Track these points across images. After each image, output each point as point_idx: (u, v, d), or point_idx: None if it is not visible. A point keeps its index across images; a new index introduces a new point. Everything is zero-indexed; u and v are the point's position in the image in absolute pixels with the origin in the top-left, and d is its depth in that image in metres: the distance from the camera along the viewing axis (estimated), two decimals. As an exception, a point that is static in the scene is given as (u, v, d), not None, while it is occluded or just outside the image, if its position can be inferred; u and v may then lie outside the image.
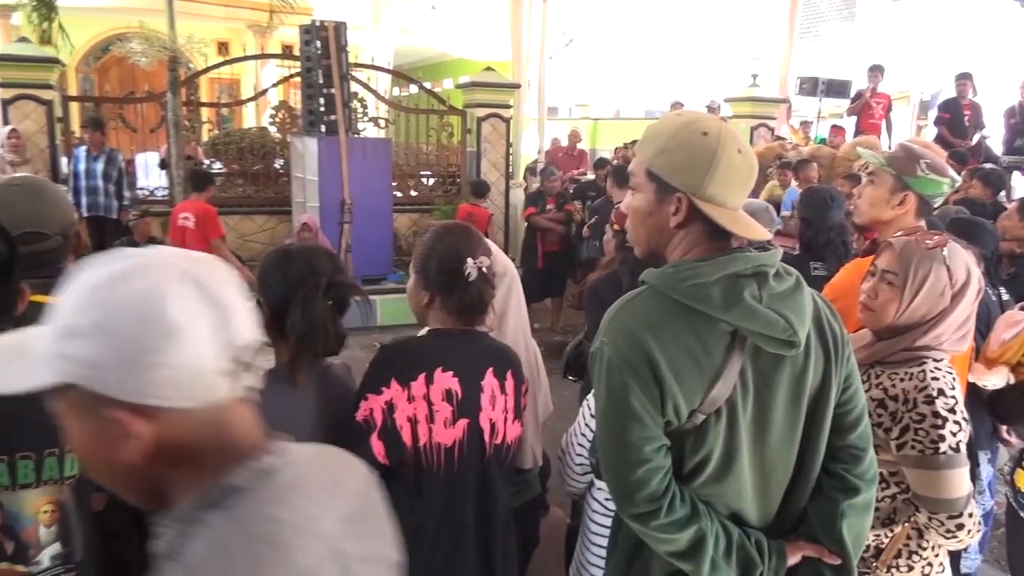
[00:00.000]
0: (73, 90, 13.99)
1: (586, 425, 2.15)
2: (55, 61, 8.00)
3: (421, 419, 1.71)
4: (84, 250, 4.13)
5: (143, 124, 9.16)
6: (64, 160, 8.11)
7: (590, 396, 2.16)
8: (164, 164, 9.27)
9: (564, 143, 12.29)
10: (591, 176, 9.73)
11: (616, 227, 2.99)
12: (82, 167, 7.64)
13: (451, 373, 1.73)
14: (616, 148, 10.61)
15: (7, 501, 1.41)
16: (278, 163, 9.40)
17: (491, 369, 1.79)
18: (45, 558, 1.47)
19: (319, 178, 7.60)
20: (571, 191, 9.31)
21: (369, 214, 7.75)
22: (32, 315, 1.54)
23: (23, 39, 8.26)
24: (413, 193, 9.57)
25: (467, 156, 9.68)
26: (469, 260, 1.77)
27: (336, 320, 1.75)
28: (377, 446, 1.70)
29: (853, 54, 16.94)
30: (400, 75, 11.12)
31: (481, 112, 9.48)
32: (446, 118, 9.74)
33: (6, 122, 7.69)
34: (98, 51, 16.50)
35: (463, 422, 1.74)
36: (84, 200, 7.61)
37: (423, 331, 1.86)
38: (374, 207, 7.84)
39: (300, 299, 1.67)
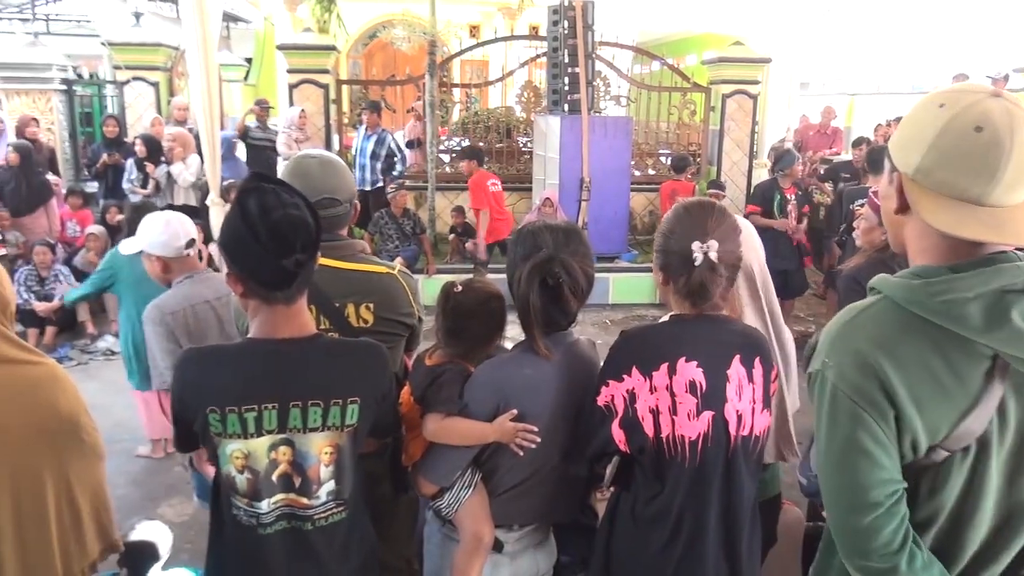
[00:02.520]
0: (344, 75, 15.45)
1: None
2: (332, 48, 8.88)
3: (664, 410, 1.65)
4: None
5: (401, 105, 9.91)
6: (336, 137, 9.01)
7: None
8: (413, 144, 9.98)
9: (815, 120, 11.47)
10: (847, 156, 9.01)
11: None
12: (357, 145, 8.43)
13: (695, 363, 1.65)
14: (877, 126, 9.70)
15: (298, 442, 1.60)
16: (521, 141, 9.73)
17: (737, 357, 1.69)
18: (323, 493, 1.66)
19: (560, 156, 7.77)
20: (822, 172, 8.70)
21: (606, 192, 7.79)
22: (321, 277, 1.75)
23: (307, 30, 9.25)
24: (651, 172, 9.46)
25: (709, 135, 9.37)
26: (696, 243, 1.65)
27: (554, 296, 1.76)
28: (618, 434, 1.69)
29: None
30: (643, 52, 10.98)
31: (727, 89, 9.12)
32: (689, 95, 9.49)
33: (291, 104, 8.69)
34: (365, 38, 18.05)
35: (708, 414, 1.65)
36: (356, 175, 8.40)
37: (664, 317, 1.82)
38: (612, 185, 7.87)
39: (516, 276, 1.76)
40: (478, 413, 1.77)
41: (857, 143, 8.30)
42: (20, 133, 8.02)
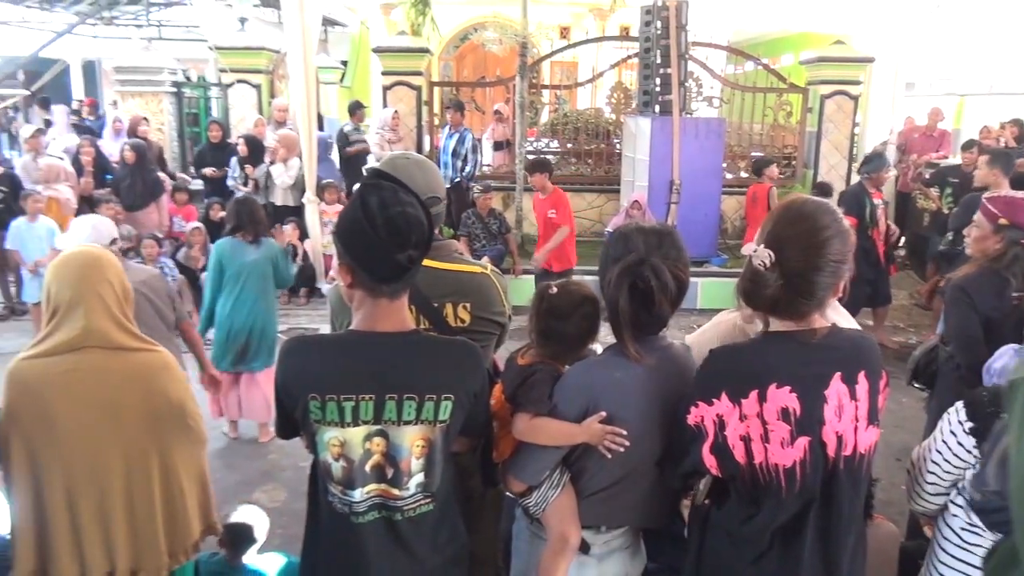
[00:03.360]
0: (435, 77, 15.72)
1: (943, 442, 1.90)
2: (426, 51, 9.05)
3: (755, 438, 1.58)
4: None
5: (490, 106, 10.00)
6: (427, 138, 9.18)
7: (951, 411, 1.91)
8: (501, 145, 10.05)
9: (921, 122, 10.93)
10: (956, 160, 8.55)
11: (1003, 221, 2.58)
12: (442, 144, 8.57)
13: (787, 388, 1.56)
14: (983, 128, 9.15)
15: (392, 434, 1.64)
16: (610, 143, 9.67)
17: (838, 375, 1.58)
18: (412, 485, 1.69)
19: (649, 158, 7.68)
20: (927, 176, 8.31)
21: (697, 195, 7.66)
22: (421, 278, 1.79)
23: (402, 33, 9.46)
24: (743, 175, 9.24)
25: (805, 137, 9.08)
26: (761, 247, 1.56)
27: (643, 299, 1.72)
28: (709, 459, 1.64)
29: None
30: (737, 52, 10.75)
31: (825, 89, 8.83)
32: (785, 96, 9.23)
33: (384, 106, 8.90)
34: (457, 40, 18.30)
35: (803, 440, 1.57)
36: (443, 173, 8.53)
37: (758, 331, 1.74)
38: (702, 188, 7.73)
39: (607, 279, 1.74)
40: (567, 414, 1.76)
41: (967, 146, 7.86)
42: (132, 132, 8.50)
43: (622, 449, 1.72)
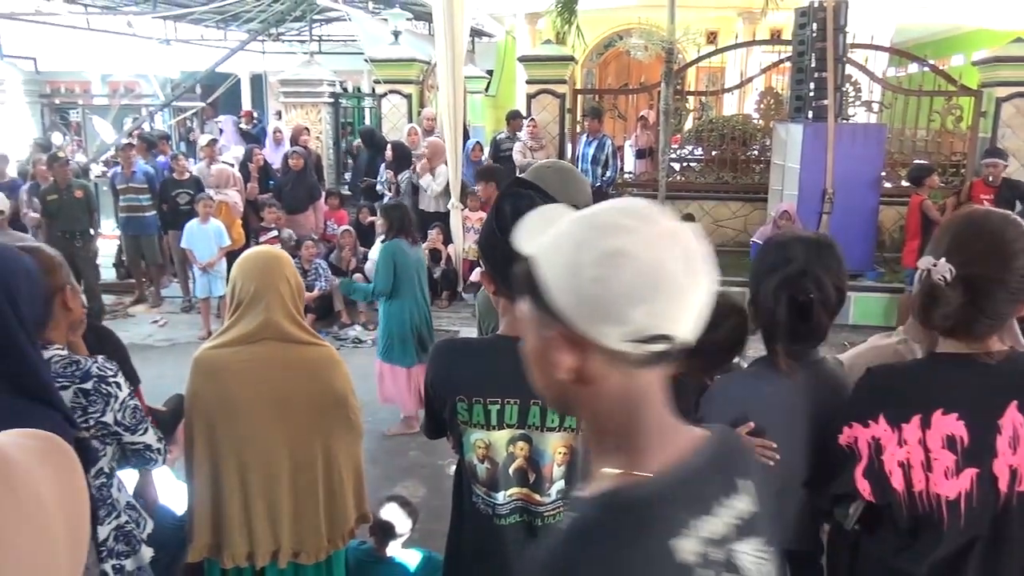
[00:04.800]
0: (579, 84, 15.76)
1: None
2: (570, 59, 9.10)
3: (915, 465, 1.48)
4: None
5: (634, 113, 9.90)
6: (569, 146, 9.22)
7: None
8: (644, 152, 9.93)
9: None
10: None
11: None
12: (579, 151, 8.59)
13: (955, 416, 1.44)
14: None
15: (536, 439, 1.66)
16: (758, 150, 9.35)
17: (1014, 403, 1.44)
18: (554, 491, 1.70)
19: (800, 165, 7.36)
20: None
21: (852, 205, 7.26)
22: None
23: (547, 42, 9.56)
24: (905, 184, 8.65)
25: (977, 143, 8.39)
26: (941, 261, 1.45)
27: (803, 312, 1.65)
28: (862, 483, 1.55)
29: None
30: (901, 53, 10.10)
31: (1002, 92, 8.11)
32: (954, 100, 8.56)
33: (529, 114, 9.02)
34: (600, 47, 18.28)
35: (970, 472, 1.45)
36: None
37: (919, 350, 1.62)
38: (858, 198, 7.32)
39: (762, 290, 1.67)
40: None
41: None
42: (295, 141, 9.07)
43: (771, 463, 1.66)
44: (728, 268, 7.09)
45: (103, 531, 1.81)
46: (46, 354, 1.70)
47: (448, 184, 7.47)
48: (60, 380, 1.69)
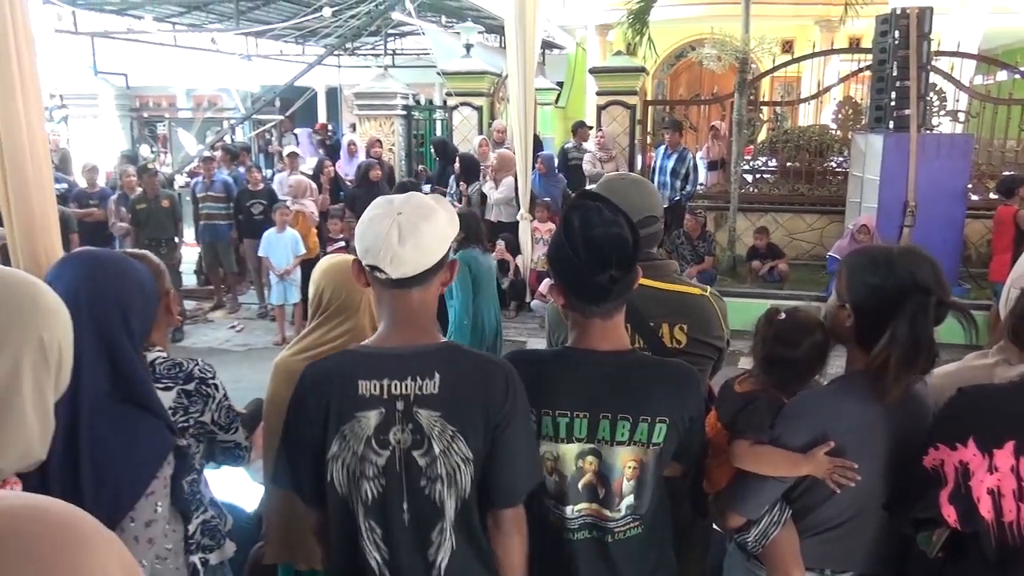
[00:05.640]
0: (649, 95, 15.65)
1: None
2: (642, 70, 9.04)
3: (1007, 493, 1.40)
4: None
5: (704, 124, 9.76)
6: (639, 157, 9.15)
7: None
8: (716, 164, 9.76)
9: None
10: None
11: None
12: (657, 163, 8.50)
13: None
14: None
15: (605, 453, 1.64)
16: (835, 161, 9.09)
17: None
18: (623, 507, 1.67)
19: (880, 177, 7.12)
20: None
21: (935, 218, 6.97)
22: (638, 297, 1.78)
23: (619, 53, 9.53)
24: (993, 196, 8.28)
25: (1073, 154, 7.97)
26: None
27: (919, 334, 1.58)
28: (947, 509, 1.48)
29: None
30: (989, 60, 9.67)
31: (1102, 100, 7.70)
32: (1049, 109, 8.16)
33: (599, 126, 9.00)
34: (672, 58, 18.12)
35: None
36: (656, 192, 8.46)
37: (1016, 370, 1.53)
38: (943, 211, 7.02)
39: (908, 313, 1.54)
40: (791, 445, 1.66)
41: None
42: (368, 152, 9.27)
43: (852, 484, 1.60)
44: (803, 282, 6.95)
45: (192, 525, 1.88)
46: (149, 356, 1.78)
47: (510, 194, 7.51)
48: (164, 381, 1.77)
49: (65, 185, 8.14)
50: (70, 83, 11.77)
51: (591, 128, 8.75)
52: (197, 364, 1.84)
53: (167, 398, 1.74)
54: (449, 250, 1.57)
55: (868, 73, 8.10)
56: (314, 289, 2.26)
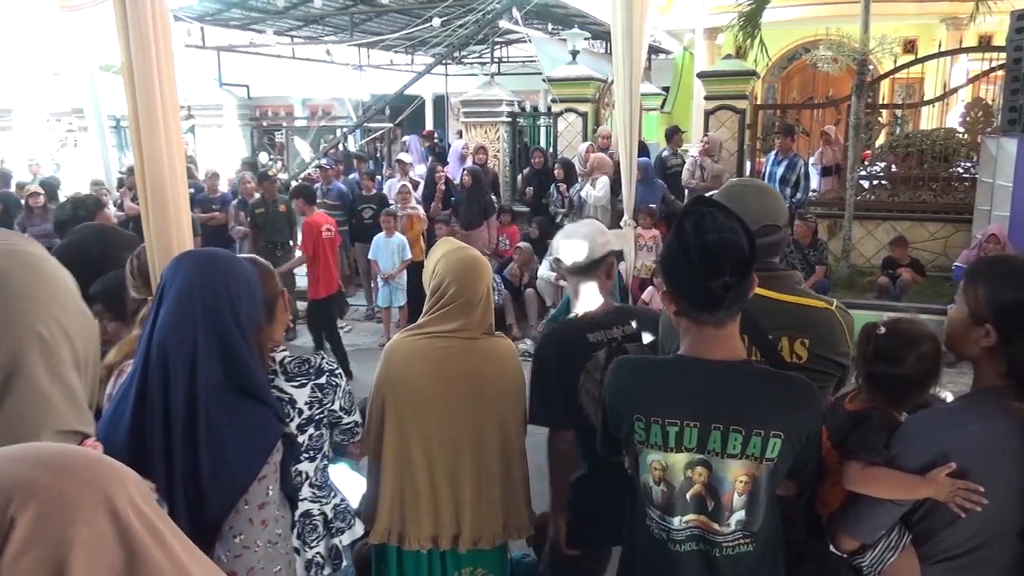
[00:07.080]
0: (759, 99, 15.19)
1: None
2: (752, 74, 8.80)
3: None
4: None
5: (817, 128, 9.39)
6: (748, 164, 8.90)
7: None
8: (830, 170, 9.37)
9: None
10: None
11: None
12: (767, 170, 8.25)
13: None
14: None
15: (715, 465, 1.60)
16: (963, 167, 8.56)
17: None
18: (733, 522, 1.62)
19: (1014, 184, 6.67)
20: None
21: (1077, 229, 6.46)
22: (756, 307, 1.73)
23: (728, 56, 9.31)
24: None
25: None
26: None
27: None
28: None
29: None
30: None
31: None
32: None
33: (706, 130, 8.82)
34: (784, 61, 17.55)
35: None
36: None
37: None
38: (1084, 220, 6.50)
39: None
40: (908, 466, 1.57)
41: None
42: (473, 159, 9.42)
43: (979, 508, 1.50)
44: (926, 294, 6.57)
45: (327, 509, 2.03)
46: (277, 356, 1.89)
47: (607, 196, 7.46)
48: (298, 379, 1.90)
49: (193, 190, 8.65)
50: (197, 94, 12.52)
51: (684, 132, 8.56)
52: (323, 358, 1.97)
53: (303, 394, 1.87)
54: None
55: (1001, 73, 7.60)
56: (437, 279, 2.27)
